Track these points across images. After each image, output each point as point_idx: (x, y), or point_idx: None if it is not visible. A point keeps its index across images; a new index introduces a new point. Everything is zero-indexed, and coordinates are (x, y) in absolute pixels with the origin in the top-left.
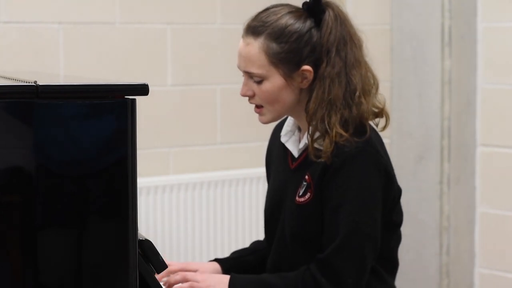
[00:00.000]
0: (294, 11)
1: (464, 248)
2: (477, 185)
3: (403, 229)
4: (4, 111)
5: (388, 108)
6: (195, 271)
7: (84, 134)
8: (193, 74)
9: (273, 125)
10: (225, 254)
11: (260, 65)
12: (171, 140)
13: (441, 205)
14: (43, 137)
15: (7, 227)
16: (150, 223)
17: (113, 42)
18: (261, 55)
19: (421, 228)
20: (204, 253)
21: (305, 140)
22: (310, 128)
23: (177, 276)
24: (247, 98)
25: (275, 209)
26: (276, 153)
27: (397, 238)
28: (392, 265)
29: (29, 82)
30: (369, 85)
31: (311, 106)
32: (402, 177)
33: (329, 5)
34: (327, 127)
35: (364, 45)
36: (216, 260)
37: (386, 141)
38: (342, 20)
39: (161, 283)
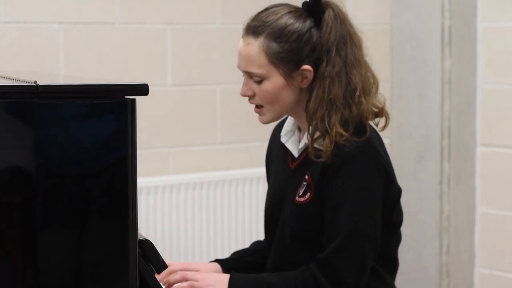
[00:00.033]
0: (294, 11)
1: (464, 248)
2: (477, 185)
3: (403, 229)
4: (4, 111)
5: (388, 108)
6: (196, 271)
7: (84, 134)
8: (193, 74)
9: (273, 125)
10: (225, 254)
11: (260, 65)
12: (171, 140)
13: (441, 205)
14: (43, 137)
15: (7, 227)
16: (150, 223)
17: (113, 42)
18: (261, 55)
19: (421, 228)
20: (204, 253)
21: (305, 140)
22: (310, 127)
23: (177, 276)
24: (247, 98)
25: (275, 209)
26: (276, 153)
27: (397, 238)
28: (392, 265)
29: (29, 82)
30: (369, 85)
31: (311, 105)
32: (402, 177)
33: (329, 4)
34: (327, 126)
35: (364, 45)
36: (216, 260)
37: (386, 141)
38: (342, 19)
39: (161, 284)
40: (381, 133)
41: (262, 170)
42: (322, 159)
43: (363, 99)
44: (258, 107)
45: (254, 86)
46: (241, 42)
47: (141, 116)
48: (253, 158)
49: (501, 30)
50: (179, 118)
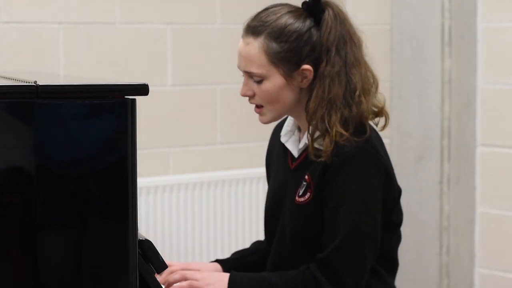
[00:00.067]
0: (294, 11)
1: (464, 248)
2: (477, 185)
3: (403, 229)
4: (4, 111)
5: (388, 108)
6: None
7: (84, 134)
8: (193, 74)
9: (273, 125)
10: (225, 254)
11: (260, 64)
12: (171, 140)
13: (441, 205)
14: (43, 137)
15: (7, 227)
16: (150, 223)
17: (113, 42)
18: (261, 54)
19: (421, 228)
20: (204, 253)
21: (305, 140)
22: (310, 127)
23: (176, 275)
24: (247, 98)
25: (275, 209)
26: (276, 153)
27: (397, 238)
28: (392, 265)
29: (29, 82)
30: (369, 84)
31: (311, 105)
32: (402, 177)
33: (328, 4)
34: (327, 126)
35: (364, 45)
36: (217, 260)
37: (386, 141)
38: (341, 19)
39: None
40: (381, 133)
41: (262, 170)
42: (322, 159)
43: (363, 99)
44: (258, 107)
45: (254, 86)
46: (241, 42)
47: (141, 116)
48: (253, 158)
49: (501, 30)
50: (179, 118)
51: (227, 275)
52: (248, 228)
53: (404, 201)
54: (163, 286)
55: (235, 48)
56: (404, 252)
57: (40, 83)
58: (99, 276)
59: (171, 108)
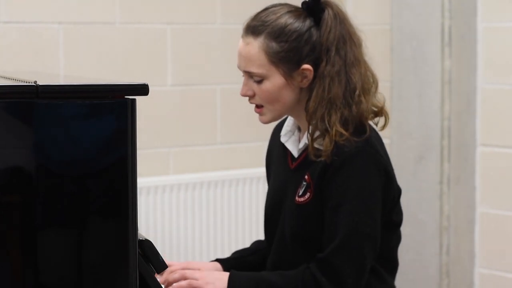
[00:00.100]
0: (294, 11)
1: (464, 248)
2: (477, 185)
3: (403, 229)
4: (4, 111)
5: (388, 108)
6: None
7: (84, 134)
8: (193, 74)
9: (273, 125)
10: (225, 254)
11: (260, 64)
12: (171, 140)
13: (441, 205)
14: (43, 137)
15: (7, 227)
16: (150, 223)
17: (113, 42)
18: (261, 54)
19: (421, 228)
20: (204, 253)
21: (305, 140)
22: (310, 127)
23: (176, 274)
24: (247, 98)
25: (275, 209)
26: (276, 153)
27: (397, 238)
28: (392, 265)
29: (29, 82)
30: (369, 84)
31: (311, 105)
32: (402, 177)
33: (328, 4)
34: (327, 125)
35: (363, 45)
36: (217, 260)
37: (386, 141)
38: (341, 19)
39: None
40: (381, 133)
41: (262, 170)
42: (322, 159)
43: (362, 98)
44: (258, 107)
45: (254, 86)
46: (241, 42)
47: (141, 116)
48: (253, 158)
49: (501, 30)
50: (179, 118)
51: (226, 274)
52: (248, 228)
53: (404, 201)
54: (163, 286)
55: (235, 48)
56: (404, 252)
57: (40, 83)
58: (99, 276)
59: (171, 108)
